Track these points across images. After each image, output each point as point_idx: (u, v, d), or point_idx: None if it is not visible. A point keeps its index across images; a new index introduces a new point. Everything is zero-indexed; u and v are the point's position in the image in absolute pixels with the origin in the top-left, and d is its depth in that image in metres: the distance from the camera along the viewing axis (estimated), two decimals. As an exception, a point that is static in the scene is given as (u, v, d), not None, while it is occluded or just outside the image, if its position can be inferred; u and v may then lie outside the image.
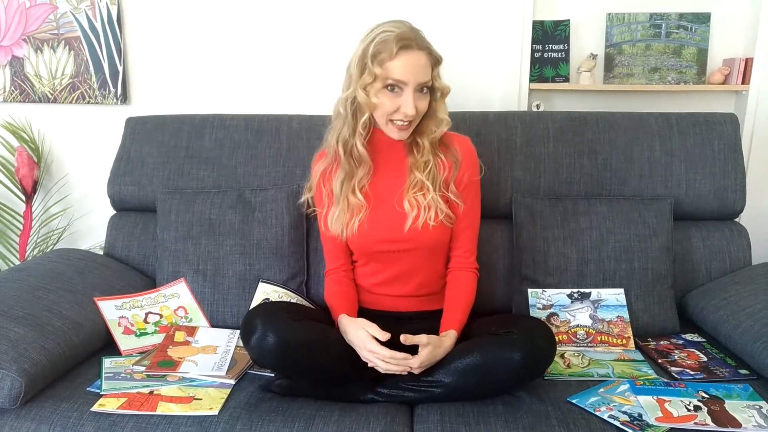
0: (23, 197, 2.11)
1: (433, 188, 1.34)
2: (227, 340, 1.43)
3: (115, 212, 1.80)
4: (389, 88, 1.27)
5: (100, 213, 2.06)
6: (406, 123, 1.29)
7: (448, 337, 1.27)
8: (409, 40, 1.25)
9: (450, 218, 1.37)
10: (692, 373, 1.31)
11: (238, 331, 1.42)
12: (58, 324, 1.33)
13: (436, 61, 1.30)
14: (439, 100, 1.34)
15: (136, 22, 2.05)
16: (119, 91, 2.07)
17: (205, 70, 2.07)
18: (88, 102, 2.09)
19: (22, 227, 2.12)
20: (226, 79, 2.07)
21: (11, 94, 2.10)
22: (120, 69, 2.06)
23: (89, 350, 1.40)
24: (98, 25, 2.03)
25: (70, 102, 2.09)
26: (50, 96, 2.10)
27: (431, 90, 1.32)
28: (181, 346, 1.40)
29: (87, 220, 2.19)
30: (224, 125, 1.75)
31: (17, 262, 2.12)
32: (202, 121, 1.76)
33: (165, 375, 1.29)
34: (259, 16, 2.02)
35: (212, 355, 1.36)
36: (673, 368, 1.33)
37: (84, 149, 2.15)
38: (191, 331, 1.46)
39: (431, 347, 1.20)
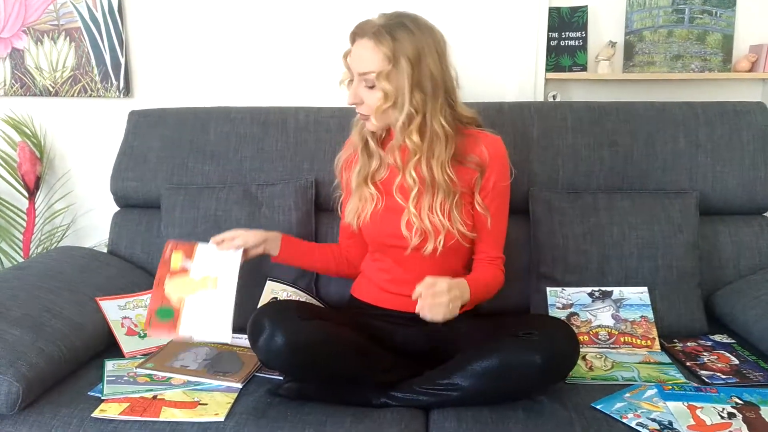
0: (26, 194, 2.07)
1: (433, 191, 1.27)
2: (228, 263, 1.34)
3: (118, 209, 1.76)
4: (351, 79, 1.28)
5: (105, 209, 2.01)
6: (364, 114, 1.27)
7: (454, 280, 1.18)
8: (359, 29, 1.24)
9: (466, 237, 1.31)
10: (724, 377, 1.25)
11: (240, 251, 1.35)
12: (57, 325, 1.28)
13: (394, 57, 1.19)
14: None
15: (137, 12, 2.00)
16: (122, 84, 2.02)
17: (209, 61, 2.02)
18: (90, 95, 2.04)
19: (25, 224, 2.09)
20: (231, 71, 2.02)
21: (12, 88, 2.06)
22: (122, 61, 2.00)
23: (91, 352, 1.35)
24: (99, 16, 1.97)
25: (72, 95, 2.05)
26: (51, 89, 2.05)
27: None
28: (178, 276, 1.34)
29: (91, 216, 2.15)
30: (229, 118, 1.71)
31: (21, 260, 2.09)
32: (206, 114, 1.72)
33: (169, 378, 1.25)
34: (266, 4, 1.96)
35: (213, 291, 1.31)
36: (702, 372, 1.27)
37: (86, 144, 2.11)
38: (189, 251, 1.38)
39: (428, 282, 1.13)
